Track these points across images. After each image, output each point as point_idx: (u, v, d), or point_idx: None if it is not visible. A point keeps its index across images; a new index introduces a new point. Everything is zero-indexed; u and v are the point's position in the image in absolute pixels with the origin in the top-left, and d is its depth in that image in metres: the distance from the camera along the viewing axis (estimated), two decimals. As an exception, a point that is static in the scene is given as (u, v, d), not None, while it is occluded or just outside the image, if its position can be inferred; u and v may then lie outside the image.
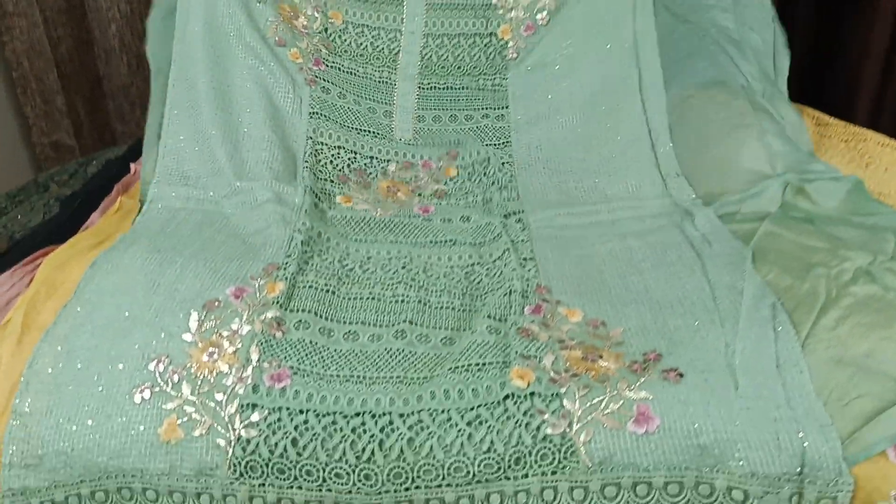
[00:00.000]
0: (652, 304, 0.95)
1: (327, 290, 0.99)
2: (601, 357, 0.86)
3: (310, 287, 0.99)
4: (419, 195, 1.27)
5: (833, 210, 1.13)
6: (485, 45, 1.40)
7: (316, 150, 1.27)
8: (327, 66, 1.35)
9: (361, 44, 1.38)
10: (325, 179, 1.25)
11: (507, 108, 1.40)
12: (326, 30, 1.37)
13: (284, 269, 1.01)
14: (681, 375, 0.83)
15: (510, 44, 1.41)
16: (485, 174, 1.31)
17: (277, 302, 0.95)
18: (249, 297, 0.96)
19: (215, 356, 0.88)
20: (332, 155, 1.28)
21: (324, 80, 1.33)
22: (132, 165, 1.41)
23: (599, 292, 0.99)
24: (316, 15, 1.37)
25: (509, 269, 1.03)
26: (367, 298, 0.99)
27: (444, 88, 1.40)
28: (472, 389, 0.83)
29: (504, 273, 1.04)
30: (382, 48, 1.39)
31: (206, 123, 1.26)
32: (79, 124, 2.10)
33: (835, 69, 1.87)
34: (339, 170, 1.28)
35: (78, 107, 2.09)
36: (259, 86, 1.29)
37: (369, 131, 1.33)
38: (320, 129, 1.28)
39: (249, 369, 0.86)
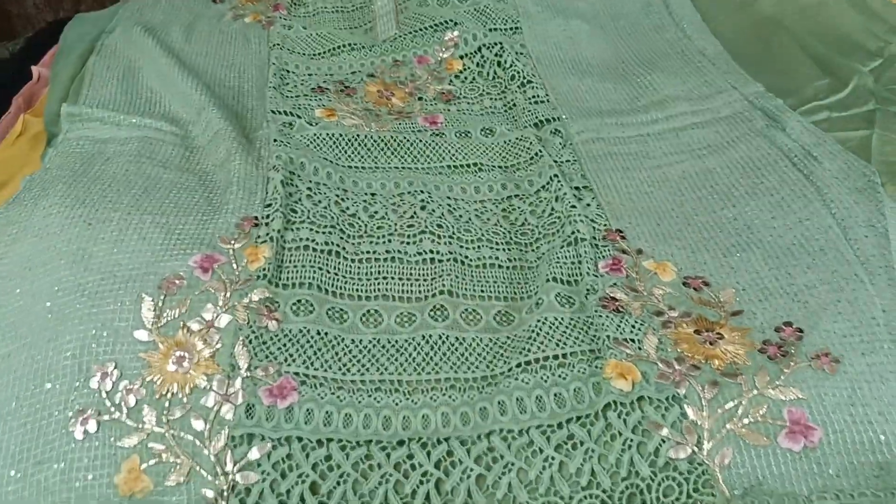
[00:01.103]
0: (764, 251, 0.72)
1: (329, 251, 0.72)
2: (721, 337, 0.64)
3: (304, 248, 0.72)
4: (420, 99, 0.99)
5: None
6: None
7: (281, 75, 1.01)
8: (289, 10, 1.18)
9: None
10: (296, 96, 0.96)
11: None
12: None
13: (267, 223, 0.73)
14: (836, 361, 0.61)
15: None
16: (498, 65, 1.03)
17: (264, 275, 0.68)
18: (224, 269, 0.69)
19: (185, 363, 0.62)
20: (303, 79, 1.01)
21: (283, 19, 1.15)
22: (34, 69, 1.07)
23: (687, 235, 0.75)
24: None
25: (564, 204, 0.78)
26: (384, 259, 0.73)
27: None
28: (556, 395, 0.60)
29: (556, 210, 0.79)
30: None
31: (142, 61, 1.04)
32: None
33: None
34: (312, 87, 0.99)
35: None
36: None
37: (345, 46, 1.07)
38: (284, 59, 1.05)
39: (237, 382, 0.61)
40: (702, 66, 1.01)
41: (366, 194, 0.81)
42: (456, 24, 1.08)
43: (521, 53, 1.05)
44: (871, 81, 0.95)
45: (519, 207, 0.81)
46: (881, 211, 0.72)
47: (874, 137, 0.84)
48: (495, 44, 1.04)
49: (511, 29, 1.10)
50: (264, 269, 0.68)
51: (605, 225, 0.76)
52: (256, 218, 0.74)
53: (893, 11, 1.07)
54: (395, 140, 0.89)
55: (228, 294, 0.66)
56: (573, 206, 0.77)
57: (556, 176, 0.82)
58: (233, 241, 0.71)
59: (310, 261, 0.70)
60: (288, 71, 1.03)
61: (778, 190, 0.78)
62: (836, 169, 0.79)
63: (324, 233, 0.74)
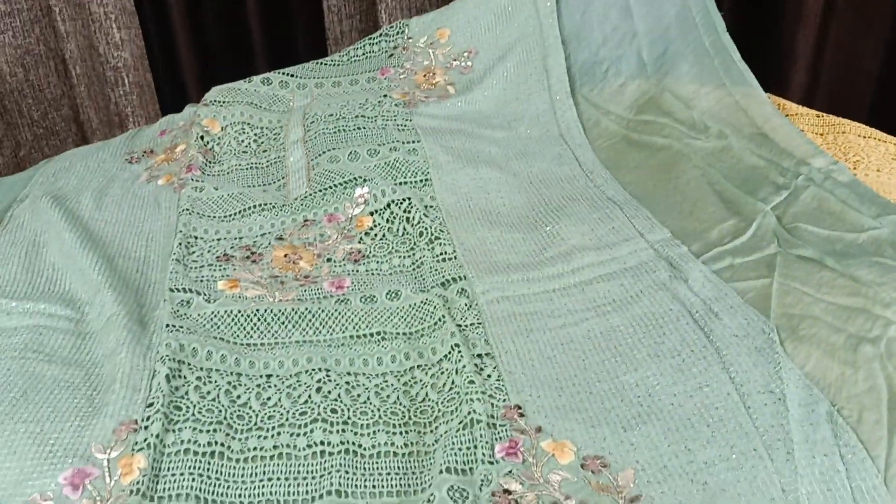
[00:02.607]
0: (664, 422, 0.70)
1: (212, 453, 0.69)
2: (617, 532, 0.61)
3: (185, 451, 0.68)
4: (328, 261, 0.98)
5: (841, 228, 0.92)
6: (378, 103, 1.25)
7: (188, 244, 1.00)
8: (203, 170, 1.17)
9: (243, 141, 1.24)
10: (200, 266, 0.95)
11: (418, 141, 1.14)
12: (202, 138, 1.23)
13: (146, 427, 0.70)
14: (734, 555, 0.58)
15: (410, 97, 1.27)
16: (408, 221, 1.03)
17: (137, 489, 0.64)
18: (96, 484, 0.65)
19: None
20: (210, 245, 1.00)
21: (195, 181, 1.13)
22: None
23: (589, 406, 0.73)
24: (193, 132, 1.24)
25: (463, 377, 0.76)
26: (272, 456, 0.70)
27: (335, 132, 1.19)
28: None
29: (457, 384, 0.76)
30: (268, 137, 1.25)
31: (47, 235, 1.03)
32: None
33: (768, 40, 1.67)
34: (218, 255, 0.98)
35: None
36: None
37: (255, 207, 1.06)
38: (192, 224, 1.04)
39: None
40: (610, 212, 1.01)
41: (261, 377, 0.79)
42: (366, 180, 1.08)
43: (431, 206, 1.05)
44: (775, 221, 0.96)
45: (421, 380, 0.79)
46: (779, 374, 0.71)
47: (774, 286, 0.84)
48: (404, 199, 1.04)
49: (422, 181, 1.10)
50: (138, 483, 0.64)
51: (504, 400, 0.74)
52: (136, 421, 0.71)
53: (800, 145, 1.09)
54: (296, 312, 0.87)
55: (97, 515, 0.62)
56: (471, 382, 0.75)
57: (457, 345, 0.80)
58: (108, 450, 0.68)
59: (189, 467, 0.67)
60: (196, 237, 1.02)
61: (679, 351, 0.77)
62: (735, 326, 0.78)
63: (208, 431, 0.70)
